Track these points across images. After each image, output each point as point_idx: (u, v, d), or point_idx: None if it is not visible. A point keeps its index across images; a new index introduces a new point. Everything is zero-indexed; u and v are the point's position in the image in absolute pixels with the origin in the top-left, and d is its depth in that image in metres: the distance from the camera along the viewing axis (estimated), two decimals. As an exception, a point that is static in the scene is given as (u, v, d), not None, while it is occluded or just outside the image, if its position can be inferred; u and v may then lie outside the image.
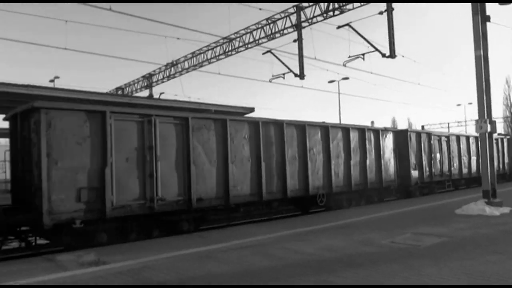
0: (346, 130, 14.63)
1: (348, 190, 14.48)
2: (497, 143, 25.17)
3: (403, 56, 21.11)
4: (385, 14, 15.68)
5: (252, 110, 19.56)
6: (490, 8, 13.81)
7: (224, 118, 10.82)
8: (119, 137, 8.68)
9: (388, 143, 16.70)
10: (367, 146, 15.35)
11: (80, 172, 8.16)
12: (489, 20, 12.31)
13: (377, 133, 16.05)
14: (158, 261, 6.56)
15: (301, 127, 12.96)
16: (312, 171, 13.08)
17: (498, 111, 57.41)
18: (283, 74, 19.89)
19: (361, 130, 15.23)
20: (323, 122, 14.17)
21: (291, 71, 19.32)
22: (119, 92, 30.01)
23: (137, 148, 9.00)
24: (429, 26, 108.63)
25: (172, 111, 10.63)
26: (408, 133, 17.89)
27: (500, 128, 58.65)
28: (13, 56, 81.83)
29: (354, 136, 14.87)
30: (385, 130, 16.86)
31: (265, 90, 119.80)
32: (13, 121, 9.04)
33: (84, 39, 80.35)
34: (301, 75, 18.79)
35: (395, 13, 15.55)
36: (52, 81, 31.15)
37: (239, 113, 17.32)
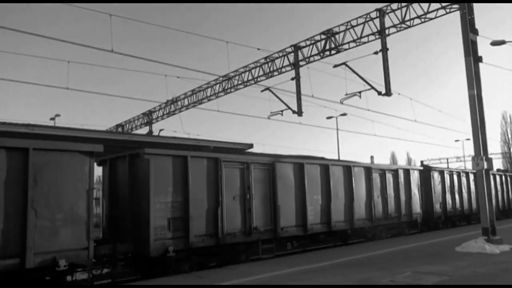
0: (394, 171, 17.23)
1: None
2: (499, 179, 25.35)
3: (399, 94, 21.53)
4: (380, 53, 16.11)
5: (251, 146, 19.72)
6: (484, 48, 14.23)
7: (301, 162, 13.00)
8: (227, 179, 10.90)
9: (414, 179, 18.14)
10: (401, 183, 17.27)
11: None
12: (481, 61, 12.70)
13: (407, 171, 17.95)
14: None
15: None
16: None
17: (495, 147, 57.72)
18: (281, 111, 20.17)
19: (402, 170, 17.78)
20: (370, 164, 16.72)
21: (289, 108, 19.61)
22: (119, 129, 30.27)
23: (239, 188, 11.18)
24: (424, 65, 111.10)
25: (261, 158, 12.46)
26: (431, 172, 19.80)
27: (499, 163, 58.79)
28: (14, 96, 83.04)
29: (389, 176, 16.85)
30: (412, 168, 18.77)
31: (263, 126, 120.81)
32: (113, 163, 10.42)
33: (86, 79, 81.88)
34: (299, 112, 19.06)
35: (390, 53, 15.99)
36: (52, 119, 31.51)
37: (239, 149, 17.46)
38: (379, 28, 15.91)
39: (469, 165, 51.01)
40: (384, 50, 15.87)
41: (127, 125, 30.33)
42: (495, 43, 14.33)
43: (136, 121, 29.63)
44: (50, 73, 78.07)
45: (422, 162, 52.45)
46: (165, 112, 27.43)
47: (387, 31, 15.85)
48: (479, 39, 12.85)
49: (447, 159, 53.38)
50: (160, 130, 27.66)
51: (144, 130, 28.77)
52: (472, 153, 12.99)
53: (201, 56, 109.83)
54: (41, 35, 15.93)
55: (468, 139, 51.18)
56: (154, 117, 28.29)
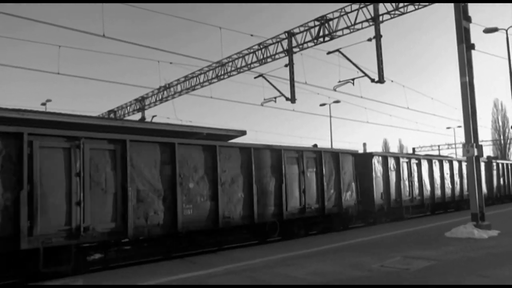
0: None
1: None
2: (490, 167, 25.77)
3: (392, 81, 21.59)
4: (373, 40, 16.09)
5: (244, 133, 19.65)
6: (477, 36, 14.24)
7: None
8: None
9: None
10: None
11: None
12: (473, 48, 12.72)
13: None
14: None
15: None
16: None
17: (486, 134, 58.27)
18: (275, 97, 20.15)
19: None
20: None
21: (282, 94, 19.59)
22: (111, 115, 30.06)
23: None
24: (417, 52, 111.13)
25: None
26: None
27: (489, 150, 59.43)
28: (4, 80, 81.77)
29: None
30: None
31: (256, 113, 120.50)
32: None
33: (77, 64, 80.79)
34: (292, 99, 19.06)
35: (383, 39, 15.98)
36: (44, 104, 31.21)
37: (232, 136, 17.42)
38: (372, 15, 15.87)
39: (460, 152, 51.54)
40: (378, 37, 15.85)
41: (120, 111, 30.12)
42: (487, 31, 14.37)
43: (128, 107, 29.44)
44: (41, 57, 76.90)
45: (414, 149, 52.95)
46: (158, 98, 27.27)
47: (380, 18, 15.81)
48: (472, 26, 12.88)
49: (439, 146, 53.88)
50: (153, 116, 27.50)
51: (137, 116, 28.62)
52: (463, 140, 13.14)
53: (194, 41, 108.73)
54: (32, 19, 15.66)
55: (459, 126, 51.61)
56: (146, 103, 28.12)
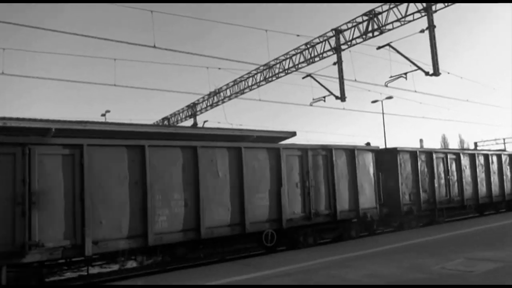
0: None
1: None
2: None
3: (448, 73, 20.57)
4: (426, 32, 15.41)
5: (294, 134, 19.59)
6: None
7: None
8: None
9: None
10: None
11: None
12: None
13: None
14: None
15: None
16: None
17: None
18: (324, 97, 19.92)
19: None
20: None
21: (331, 93, 19.30)
22: (165, 122, 31.21)
23: None
24: (475, 42, 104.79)
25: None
26: None
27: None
28: (64, 95, 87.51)
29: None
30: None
31: (306, 113, 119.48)
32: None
33: (132, 75, 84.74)
34: (342, 97, 18.71)
35: (437, 30, 15.24)
36: (103, 115, 33.02)
37: (282, 137, 17.43)
38: (425, 5, 15.20)
39: (528, 145, 47.83)
40: (431, 27, 15.16)
41: (173, 118, 31.19)
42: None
43: (181, 114, 30.39)
44: (97, 71, 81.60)
45: (475, 144, 49.92)
46: (208, 104, 27.91)
47: (433, 8, 15.11)
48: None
49: (504, 139, 50.34)
50: (204, 122, 28.21)
51: (189, 123, 29.48)
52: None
53: (241, 46, 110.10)
54: (90, 35, 16.67)
55: (527, 117, 47.92)
56: (198, 109, 28.87)
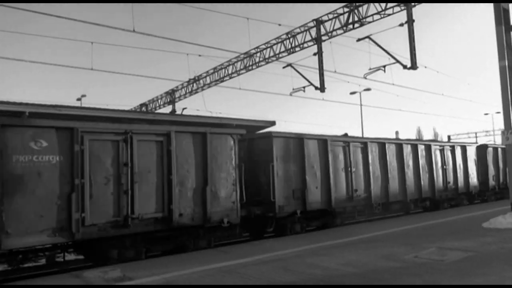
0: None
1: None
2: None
3: (425, 67, 20.92)
4: (405, 25, 15.60)
5: (273, 123, 19.60)
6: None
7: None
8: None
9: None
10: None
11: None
12: (512, 30, 12.13)
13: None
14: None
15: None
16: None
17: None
18: (304, 87, 19.97)
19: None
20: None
21: (311, 84, 19.38)
22: (143, 108, 30.72)
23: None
24: (452, 38, 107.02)
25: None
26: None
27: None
28: (39, 78, 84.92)
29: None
30: None
31: (285, 103, 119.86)
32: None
33: (109, 59, 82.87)
34: (322, 88, 18.80)
35: (416, 25, 15.45)
36: (79, 99, 32.23)
37: (261, 126, 17.41)
38: (404, -1, 15.36)
39: (498, 140, 49.50)
40: (410, 21, 15.34)
41: (151, 104, 30.73)
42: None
43: (159, 100, 29.97)
44: (74, 54, 79.28)
45: (449, 137, 51.30)
46: (187, 91, 27.60)
47: (413, 2, 15.29)
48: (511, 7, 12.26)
49: (476, 133, 51.91)
50: (183, 109, 27.90)
51: (167, 109, 29.12)
52: (502, 127, 12.60)
53: (222, 33, 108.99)
54: (65, 17, 16.13)
55: (498, 113, 49.56)
56: (177, 96, 28.51)
